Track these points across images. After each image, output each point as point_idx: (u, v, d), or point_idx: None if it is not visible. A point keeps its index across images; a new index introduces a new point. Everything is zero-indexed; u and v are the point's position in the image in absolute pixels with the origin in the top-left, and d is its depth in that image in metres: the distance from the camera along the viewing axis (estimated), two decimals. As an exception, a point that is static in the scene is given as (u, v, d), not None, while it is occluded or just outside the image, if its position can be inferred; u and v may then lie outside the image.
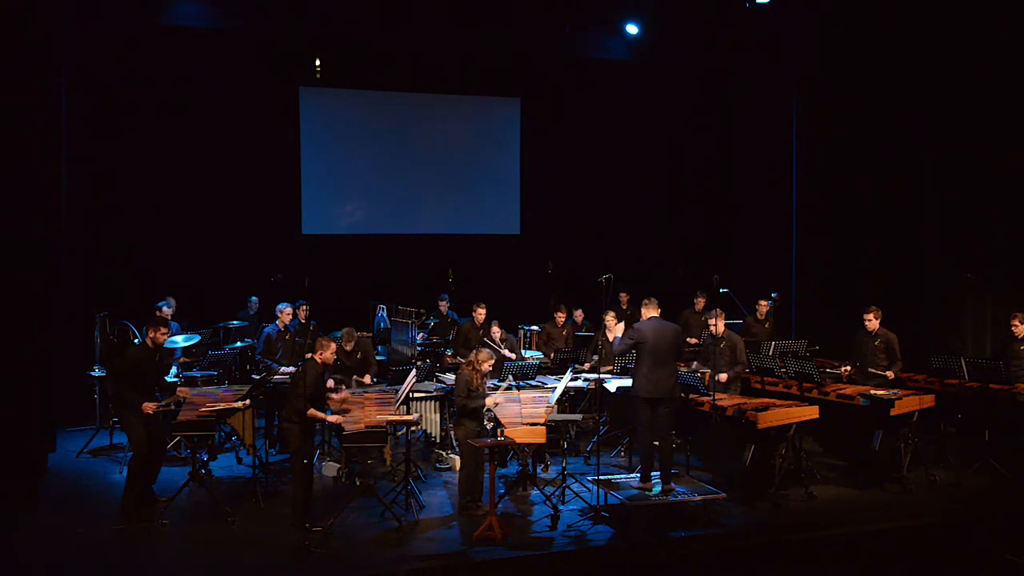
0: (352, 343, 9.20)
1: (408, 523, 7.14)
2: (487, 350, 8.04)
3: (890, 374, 8.77)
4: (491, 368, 7.85)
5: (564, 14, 13.04)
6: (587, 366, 9.68)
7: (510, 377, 8.81)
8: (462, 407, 7.59)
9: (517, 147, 14.12)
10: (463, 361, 9.93)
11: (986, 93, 10.86)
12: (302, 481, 7.06)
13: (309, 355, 9.11)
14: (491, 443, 7.06)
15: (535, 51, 13.57)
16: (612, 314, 10.02)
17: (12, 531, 7.07)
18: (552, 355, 10.11)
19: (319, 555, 6.50)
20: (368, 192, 13.38)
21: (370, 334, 11.33)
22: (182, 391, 8.08)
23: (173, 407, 7.75)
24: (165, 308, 9.64)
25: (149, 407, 7.36)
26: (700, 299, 11.71)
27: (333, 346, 7.35)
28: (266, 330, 9.57)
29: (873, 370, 8.78)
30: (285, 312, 9.57)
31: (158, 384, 7.69)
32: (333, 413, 7.53)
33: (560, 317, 10.82)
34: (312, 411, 7.07)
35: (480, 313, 10.36)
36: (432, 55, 13.17)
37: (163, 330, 7.59)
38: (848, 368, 9.02)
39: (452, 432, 8.96)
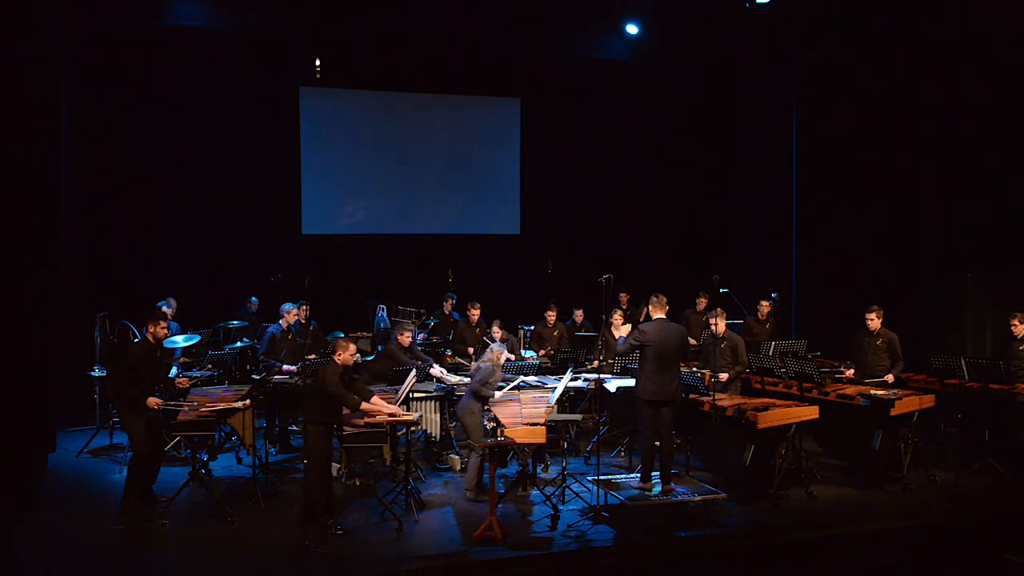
0: (410, 338, 9.22)
1: (408, 523, 7.14)
2: (498, 346, 8.30)
3: (889, 378, 8.78)
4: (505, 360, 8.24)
5: (564, 14, 13.05)
6: (595, 363, 9.64)
7: (520, 378, 8.88)
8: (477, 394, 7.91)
9: (517, 147, 14.13)
10: (461, 361, 10.02)
11: (986, 92, 10.86)
12: (326, 479, 7.08)
13: (312, 356, 9.15)
14: (491, 443, 7.06)
15: (535, 51, 13.58)
16: (619, 313, 10.05)
17: (12, 531, 7.06)
18: (542, 353, 10.10)
19: (319, 555, 6.50)
20: (368, 192, 13.38)
21: (370, 334, 11.36)
22: (181, 382, 8.10)
23: (182, 401, 7.78)
24: (165, 308, 9.64)
25: (153, 402, 7.38)
26: (702, 299, 11.72)
27: (353, 348, 7.25)
28: (269, 330, 9.54)
29: (870, 382, 8.78)
30: (291, 312, 9.55)
31: (160, 381, 7.70)
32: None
33: (551, 317, 10.81)
34: (365, 404, 7.17)
35: (474, 313, 10.37)
36: (432, 55, 13.18)
37: (163, 324, 7.59)
38: (852, 371, 9.03)
39: (453, 432, 8.98)
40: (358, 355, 7.76)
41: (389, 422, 7.30)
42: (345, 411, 7.46)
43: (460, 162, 13.81)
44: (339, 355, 7.18)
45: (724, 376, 8.64)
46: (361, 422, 7.23)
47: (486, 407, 7.92)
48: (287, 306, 9.57)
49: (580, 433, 9.83)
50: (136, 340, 8.57)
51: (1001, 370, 8.40)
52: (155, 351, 7.60)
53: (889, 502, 7.91)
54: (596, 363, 9.58)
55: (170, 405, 7.63)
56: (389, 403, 7.83)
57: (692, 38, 13.74)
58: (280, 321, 9.52)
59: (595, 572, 6.72)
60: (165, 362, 8.23)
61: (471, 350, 10.23)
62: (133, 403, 7.37)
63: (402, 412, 7.40)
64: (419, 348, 10.21)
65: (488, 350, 8.26)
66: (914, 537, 7.37)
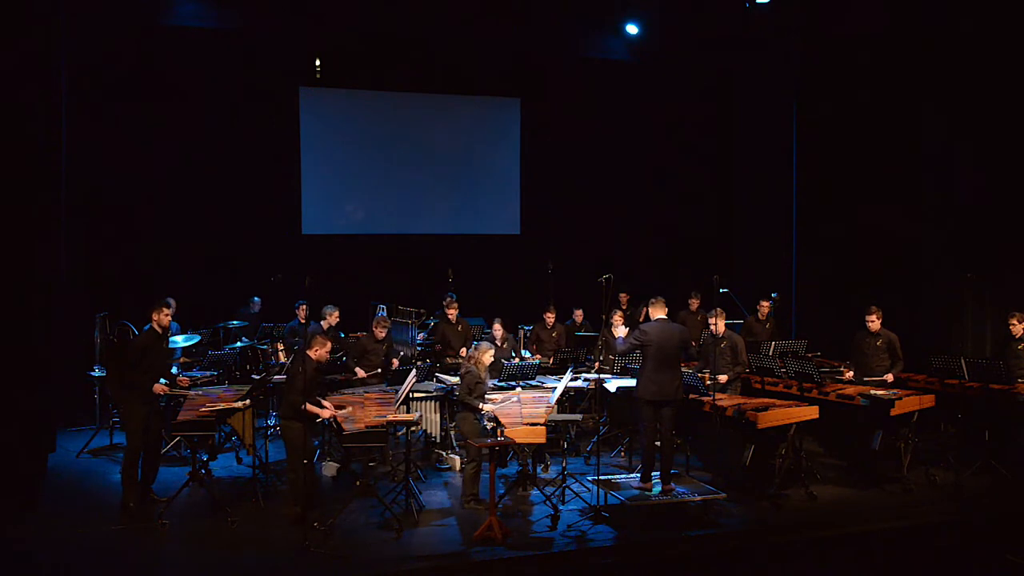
0: (385, 331, 9.18)
1: (408, 523, 7.15)
2: (485, 343, 8.18)
3: (889, 377, 8.78)
4: (492, 359, 8.03)
5: (564, 14, 13.05)
6: (596, 365, 9.61)
7: (518, 388, 8.83)
8: (463, 403, 7.75)
9: (517, 147, 14.12)
10: (454, 362, 9.98)
11: (986, 93, 10.85)
12: (302, 479, 7.07)
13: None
14: (491, 443, 7.06)
15: (535, 51, 13.58)
16: (620, 313, 10.04)
17: (12, 531, 7.06)
18: (538, 357, 10.08)
19: (319, 555, 6.50)
20: (368, 192, 13.38)
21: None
22: (182, 381, 8.12)
23: (186, 391, 7.85)
24: (165, 308, 9.64)
25: (159, 388, 7.45)
26: (694, 300, 11.69)
27: (329, 345, 7.36)
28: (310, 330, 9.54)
29: (870, 381, 8.77)
30: (332, 315, 9.70)
31: (164, 371, 7.73)
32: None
33: (549, 319, 10.76)
34: (309, 406, 7.10)
35: (452, 312, 10.34)
36: (432, 55, 13.18)
37: (165, 312, 7.66)
38: (851, 371, 9.03)
39: (452, 432, 8.97)
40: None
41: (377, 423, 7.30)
42: (346, 410, 7.47)
43: (460, 162, 13.81)
44: (315, 351, 7.22)
45: (723, 377, 8.64)
46: (362, 425, 7.23)
47: (480, 413, 7.82)
48: (329, 308, 9.70)
49: (580, 433, 9.82)
50: (146, 328, 8.59)
51: (1001, 370, 8.40)
52: (161, 340, 7.64)
53: (889, 502, 7.91)
54: (597, 364, 9.57)
55: (175, 391, 7.71)
56: (390, 403, 7.85)
57: (692, 38, 13.74)
58: (322, 322, 9.57)
59: (595, 572, 6.72)
60: (168, 362, 8.25)
61: (463, 351, 10.12)
62: (136, 392, 7.39)
63: (333, 411, 7.33)
64: (419, 348, 10.21)
65: (473, 348, 8.11)
66: (914, 537, 7.37)
